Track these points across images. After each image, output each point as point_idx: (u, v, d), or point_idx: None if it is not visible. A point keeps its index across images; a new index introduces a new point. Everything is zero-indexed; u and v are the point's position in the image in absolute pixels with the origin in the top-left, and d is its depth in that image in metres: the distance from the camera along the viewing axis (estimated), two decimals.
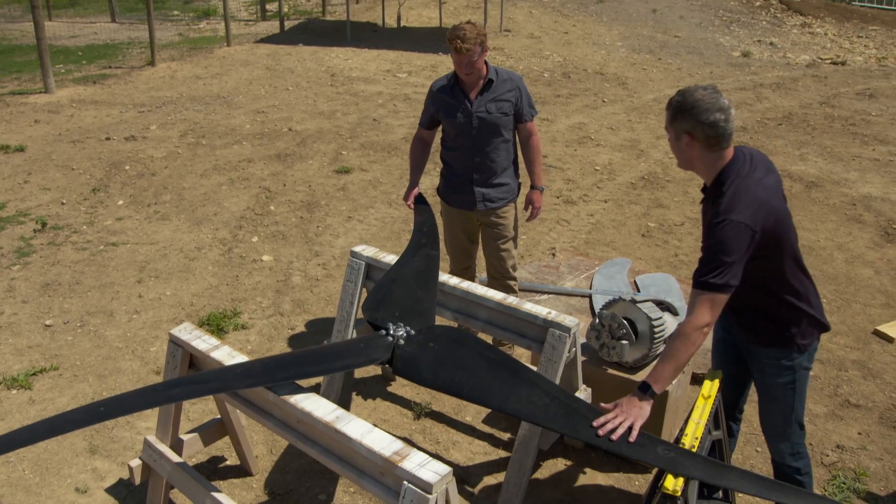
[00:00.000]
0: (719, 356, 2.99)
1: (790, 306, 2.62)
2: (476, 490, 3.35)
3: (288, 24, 15.49)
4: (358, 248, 3.48)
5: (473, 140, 3.87)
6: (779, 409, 2.76)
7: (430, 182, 6.38)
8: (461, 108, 3.83)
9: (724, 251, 2.39)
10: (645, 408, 2.37)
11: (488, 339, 3.99)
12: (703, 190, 2.63)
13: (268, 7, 17.09)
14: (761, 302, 2.63)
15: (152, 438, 3.07)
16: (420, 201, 3.96)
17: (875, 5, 20.05)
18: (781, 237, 2.51)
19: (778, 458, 2.87)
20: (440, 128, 4.04)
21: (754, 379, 2.83)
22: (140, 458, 3.11)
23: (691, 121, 2.43)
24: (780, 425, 2.79)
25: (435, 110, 3.95)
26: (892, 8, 19.57)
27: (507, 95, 3.85)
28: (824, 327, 2.72)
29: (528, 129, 3.98)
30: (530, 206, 4.12)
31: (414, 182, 4.08)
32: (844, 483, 3.41)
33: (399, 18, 15.48)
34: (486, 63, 3.81)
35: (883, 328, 4.69)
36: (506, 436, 3.70)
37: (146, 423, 3.71)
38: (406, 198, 4.05)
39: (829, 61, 14.02)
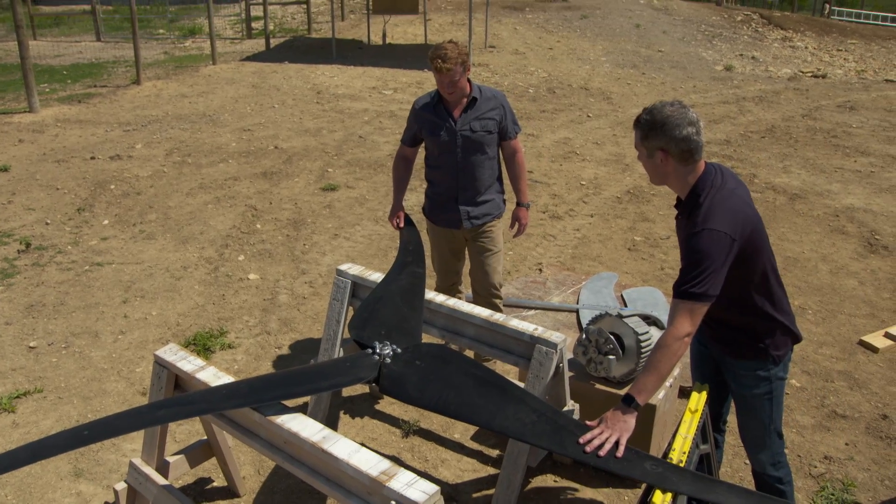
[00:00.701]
0: (697, 369, 3.00)
1: (764, 316, 2.63)
2: None
3: (273, 42, 15.54)
4: (344, 267, 3.48)
5: (457, 158, 3.86)
6: (757, 419, 2.77)
7: (415, 199, 6.39)
8: (445, 127, 3.82)
9: (703, 260, 2.40)
10: (629, 421, 2.37)
11: (470, 354, 3.98)
12: (677, 205, 2.65)
13: (253, 25, 17.14)
14: (735, 315, 2.64)
15: (138, 461, 3.04)
16: (406, 222, 3.95)
17: (853, 19, 20.36)
18: (758, 246, 2.54)
19: (759, 469, 2.88)
20: (422, 146, 4.05)
21: (731, 391, 2.84)
22: (125, 481, 3.07)
23: (664, 137, 2.45)
24: (759, 436, 2.80)
25: (418, 128, 3.92)
26: (870, 22, 19.88)
27: (491, 114, 3.84)
28: (797, 338, 2.74)
29: (512, 146, 3.97)
30: (517, 223, 4.13)
31: (398, 201, 4.05)
32: (833, 494, 3.42)
33: (384, 36, 15.55)
34: (469, 81, 3.81)
35: (868, 338, 4.72)
36: (494, 453, 3.68)
37: (132, 445, 3.68)
38: (391, 217, 4.02)
39: (809, 74, 14.20)
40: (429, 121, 3.87)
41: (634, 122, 2.56)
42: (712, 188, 2.50)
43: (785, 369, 2.73)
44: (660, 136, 2.46)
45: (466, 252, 4.16)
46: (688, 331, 2.42)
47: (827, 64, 15.20)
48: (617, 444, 2.30)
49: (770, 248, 2.63)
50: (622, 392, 3.34)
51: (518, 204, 4.10)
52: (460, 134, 3.81)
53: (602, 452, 2.28)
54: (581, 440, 2.30)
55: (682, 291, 2.43)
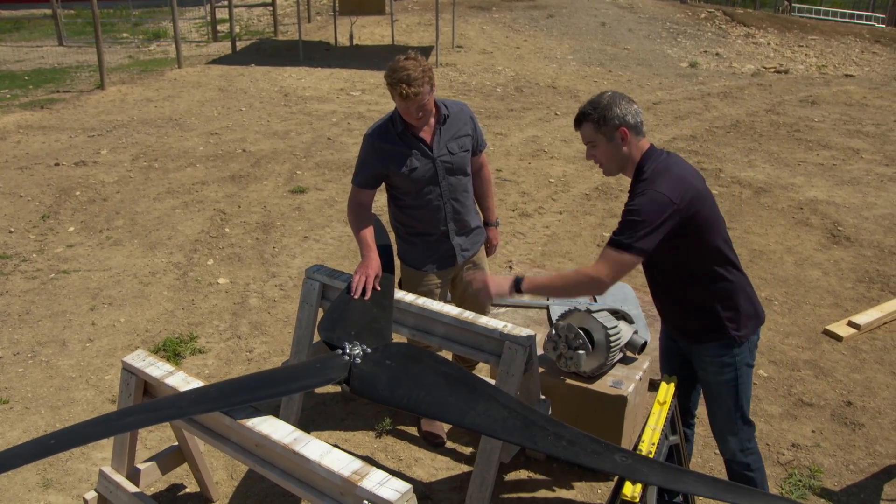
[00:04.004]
0: (667, 364, 3.05)
1: (721, 296, 2.67)
2: None
3: (240, 45, 15.41)
4: (313, 269, 3.46)
5: (442, 189, 3.34)
6: (724, 406, 2.81)
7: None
8: (420, 157, 3.26)
9: (638, 215, 2.47)
10: (504, 287, 2.66)
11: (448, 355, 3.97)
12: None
13: (219, 28, 16.99)
14: (693, 293, 2.67)
15: (108, 469, 3.00)
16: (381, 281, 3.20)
17: (813, 16, 20.74)
18: (706, 217, 2.58)
19: (728, 456, 2.92)
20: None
21: (699, 380, 2.88)
22: (96, 489, 3.04)
23: (619, 113, 2.56)
24: (726, 423, 2.84)
25: (382, 166, 3.27)
26: (829, 18, 20.27)
27: (465, 129, 3.39)
28: (759, 318, 2.78)
29: (480, 160, 3.57)
30: (488, 244, 3.76)
31: (373, 258, 3.20)
32: (800, 481, 3.49)
33: (351, 37, 15.51)
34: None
35: (832, 327, 4.81)
36: (468, 450, 3.70)
37: (102, 453, 3.63)
38: (369, 274, 3.11)
39: (772, 70, 14.43)
40: (396, 154, 3.25)
41: (578, 120, 2.64)
42: (657, 160, 2.60)
43: (752, 355, 2.77)
44: (616, 113, 2.56)
45: (453, 286, 3.70)
46: (602, 276, 2.49)
47: (789, 60, 15.45)
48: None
49: (723, 226, 2.68)
50: (593, 386, 3.38)
51: (486, 223, 3.70)
52: (440, 161, 3.30)
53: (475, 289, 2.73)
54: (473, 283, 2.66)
55: (612, 239, 2.51)
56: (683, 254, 2.57)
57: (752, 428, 2.90)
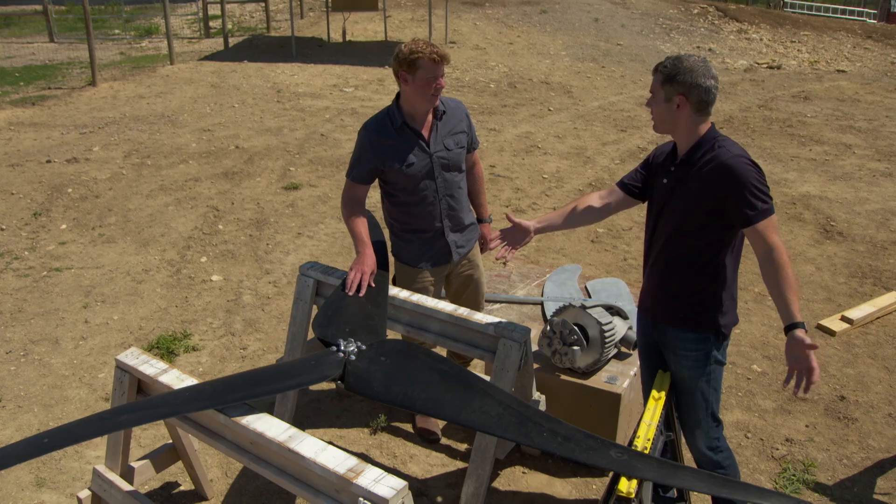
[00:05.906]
0: (645, 360, 3.01)
1: (720, 285, 2.66)
2: (434, 503, 3.35)
3: (232, 41, 15.35)
4: (307, 265, 3.45)
5: (437, 186, 3.33)
6: (694, 402, 2.78)
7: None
8: (417, 153, 3.25)
9: (756, 178, 2.47)
10: (808, 348, 2.37)
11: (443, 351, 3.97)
12: (672, 164, 2.67)
13: (211, 24, 16.91)
14: (700, 271, 2.64)
15: (101, 468, 2.99)
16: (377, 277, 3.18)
17: (805, 12, 20.78)
18: None
19: (697, 456, 2.90)
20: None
21: (671, 373, 2.83)
22: (89, 488, 3.03)
23: (688, 83, 2.52)
24: (695, 419, 2.81)
25: (378, 160, 3.25)
26: (822, 14, 20.32)
27: (461, 126, 3.39)
28: (736, 318, 2.78)
29: (473, 158, 3.56)
30: (482, 240, 3.76)
31: (369, 254, 3.16)
32: (794, 475, 3.50)
33: (344, 33, 15.47)
34: None
35: (825, 322, 4.83)
36: (463, 447, 3.70)
37: (95, 452, 3.62)
38: (365, 270, 3.09)
39: (765, 65, 14.45)
40: (394, 148, 3.24)
41: (655, 68, 2.61)
42: (721, 137, 2.59)
43: (724, 354, 2.76)
44: (684, 81, 2.52)
45: (447, 283, 3.69)
46: (781, 244, 2.47)
47: (781, 55, 15.49)
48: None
49: None
50: (588, 382, 3.38)
51: (479, 220, 3.70)
52: (436, 157, 3.29)
53: (803, 391, 2.39)
54: (787, 385, 2.40)
55: (760, 211, 2.45)
56: (723, 230, 2.56)
57: (721, 426, 2.87)
